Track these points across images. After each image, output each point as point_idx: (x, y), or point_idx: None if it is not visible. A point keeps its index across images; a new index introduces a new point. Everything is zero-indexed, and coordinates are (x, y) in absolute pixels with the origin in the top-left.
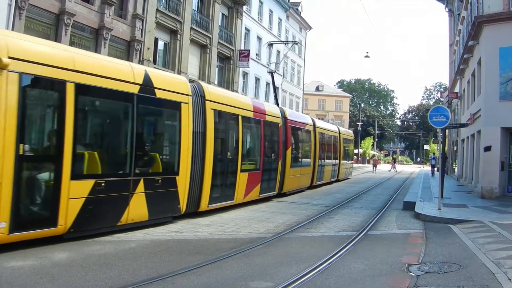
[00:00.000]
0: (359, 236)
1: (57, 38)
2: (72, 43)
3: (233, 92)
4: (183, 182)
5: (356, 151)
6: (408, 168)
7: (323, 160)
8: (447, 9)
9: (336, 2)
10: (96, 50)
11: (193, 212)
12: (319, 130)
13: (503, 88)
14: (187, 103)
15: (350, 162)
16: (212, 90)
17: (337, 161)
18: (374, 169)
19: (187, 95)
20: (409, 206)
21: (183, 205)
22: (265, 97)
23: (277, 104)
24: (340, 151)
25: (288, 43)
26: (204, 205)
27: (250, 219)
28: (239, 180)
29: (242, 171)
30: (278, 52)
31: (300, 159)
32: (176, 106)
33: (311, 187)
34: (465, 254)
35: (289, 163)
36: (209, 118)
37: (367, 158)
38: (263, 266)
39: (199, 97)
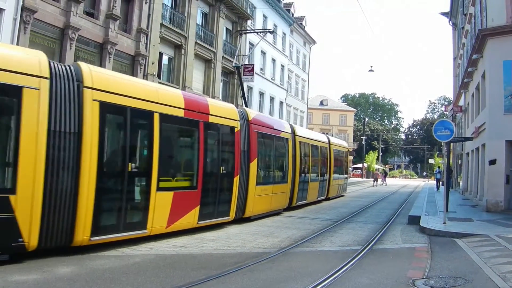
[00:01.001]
0: (364, 251)
1: (61, 52)
2: (77, 58)
3: (151, 82)
4: (26, 204)
5: (360, 165)
6: (413, 182)
7: (305, 175)
8: (450, 22)
9: (340, 17)
10: (101, 64)
11: (63, 246)
12: (300, 139)
13: (507, 101)
14: (37, 89)
15: (343, 177)
16: (100, 74)
17: (326, 176)
18: (375, 183)
19: (36, 76)
20: (414, 220)
21: (31, 238)
22: (269, 111)
23: (246, 105)
24: (330, 164)
25: (260, 32)
26: (82, 237)
27: (255, 233)
28: (155, 202)
29: (161, 189)
30: (252, 45)
31: (272, 174)
32: (10, 92)
33: (290, 208)
34: (471, 268)
35: (254, 179)
36: (89, 113)
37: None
38: (268, 281)
39: (70, 83)
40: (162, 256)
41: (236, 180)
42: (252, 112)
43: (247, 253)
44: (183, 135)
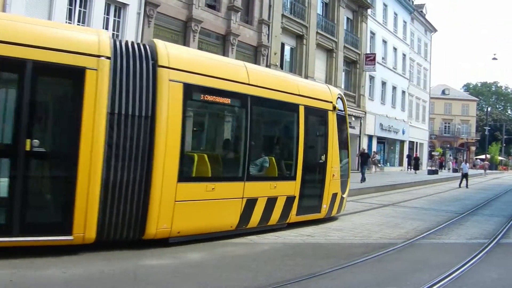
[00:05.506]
0: (491, 244)
1: (185, 44)
2: (200, 49)
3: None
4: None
5: (483, 156)
6: None
7: None
8: None
9: (461, 4)
10: (224, 55)
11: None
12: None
13: None
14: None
15: (318, 176)
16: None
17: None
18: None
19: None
20: None
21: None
22: (391, 101)
23: None
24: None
25: None
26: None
27: (380, 224)
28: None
29: None
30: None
31: None
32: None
33: None
34: None
35: None
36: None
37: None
38: (395, 272)
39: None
40: (290, 245)
41: None
42: None
43: (373, 244)
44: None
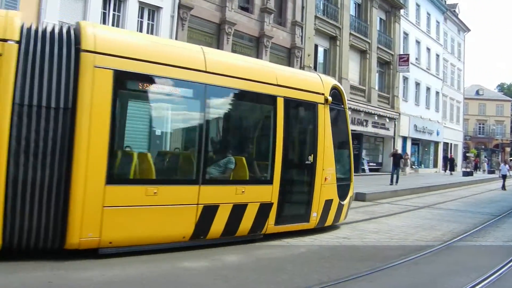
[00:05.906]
0: None
1: (219, 47)
2: (233, 51)
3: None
4: None
5: None
6: None
7: None
8: None
9: (493, 3)
10: (258, 57)
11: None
12: None
13: None
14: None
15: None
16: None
17: None
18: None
19: None
20: None
21: None
22: (426, 103)
23: None
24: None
25: None
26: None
27: (416, 226)
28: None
29: None
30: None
31: None
32: None
33: None
34: None
35: None
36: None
37: None
38: (432, 274)
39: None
40: (326, 247)
41: None
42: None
43: (410, 246)
44: None
